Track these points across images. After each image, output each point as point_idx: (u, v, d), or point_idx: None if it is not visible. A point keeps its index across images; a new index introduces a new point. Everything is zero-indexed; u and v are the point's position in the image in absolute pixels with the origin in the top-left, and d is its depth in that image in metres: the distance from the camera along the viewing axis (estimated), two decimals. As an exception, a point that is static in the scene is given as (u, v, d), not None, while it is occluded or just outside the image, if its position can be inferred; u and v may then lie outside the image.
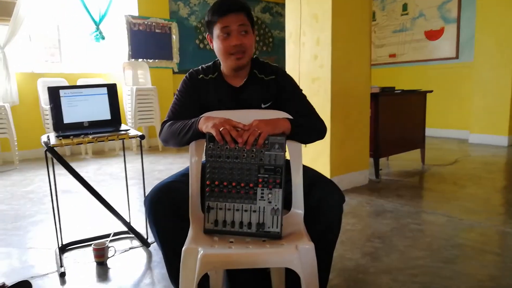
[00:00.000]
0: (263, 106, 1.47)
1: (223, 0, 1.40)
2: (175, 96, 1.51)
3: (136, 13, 5.63)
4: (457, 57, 5.76)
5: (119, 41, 5.62)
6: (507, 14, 4.96)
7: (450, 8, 5.78)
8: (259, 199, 1.22)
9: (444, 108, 5.93)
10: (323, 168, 3.11)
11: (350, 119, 3.17)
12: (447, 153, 4.71)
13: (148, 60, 5.75)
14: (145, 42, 5.69)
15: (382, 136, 3.45)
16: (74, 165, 1.83)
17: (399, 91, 3.71)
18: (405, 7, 6.37)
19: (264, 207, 1.21)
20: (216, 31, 1.37)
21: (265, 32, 7.26)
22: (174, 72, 6.07)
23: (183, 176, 1.39)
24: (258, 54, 7.16)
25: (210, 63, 1.53)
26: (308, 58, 3.13)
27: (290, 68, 3.30)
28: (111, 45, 5.64)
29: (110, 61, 5.66)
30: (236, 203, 1.22)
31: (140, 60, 5.66)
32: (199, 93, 1.47)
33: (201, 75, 1.49)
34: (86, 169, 4.20)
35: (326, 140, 3.06)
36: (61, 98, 2.06)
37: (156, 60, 5.84)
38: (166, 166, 4.25)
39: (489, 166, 3.95)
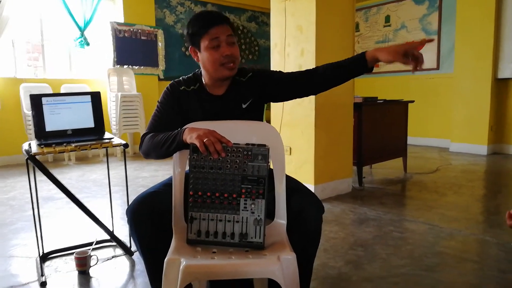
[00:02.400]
0: (243, 106, 1.49)
1: (207, 13, 1.43)
2: (156, 107, 1.50)
3: (121, 20, 5.61)
4: (438, 68, 5.92)
5: (104, 47, 5.59)
6: (485, 27, 5.12)
7: (431, 20, 5.94)
8: (242, 210, 1.23)
9: (426, 118, 6.06)
10: (307, 176, 3.14)
11: (334, 128, 3.21)
12: (428, 162, 4.81)
13: (134, 66, 5.72)
14: (131, 49, 5.67)
15: (365, 145, 3.51)
16: (57, 171, 1.82)
17: (381, 101, 3.78)
18: (387, 19, 6.52)
19: (247, 217, 1.23)
20: (205, 42, 1.38)
21: (251, 40, 7.32)
22: (159, 79, 6.05)
23: (166, 186, 1.39)
24: (244, 63, 7.21)
25: (190, 75, 1.53)
26: (292, 69, 3.17)
27: (275, 77, 3.34)
28: (96, 51, 5.60)
29: (95, 67, 5.61)
30: (219, 213, 1.23)
31: (125, 66, 5.63)
32: (180, 104, 1.47)
33: (182, 87, 1.49)
34: (69, 176, 4.15)
35: (310, 149, 3.09)
36: (43, 105, 2.04)
37: (142, 67, 5.82)
38: (150, 173, 4.23)
39: (469, 175, 4.05)
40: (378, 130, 3.70)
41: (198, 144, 1.20)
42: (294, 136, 3.20)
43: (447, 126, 5.73)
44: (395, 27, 6.44)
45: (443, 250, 2.16)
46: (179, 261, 1.10)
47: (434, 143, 6.04)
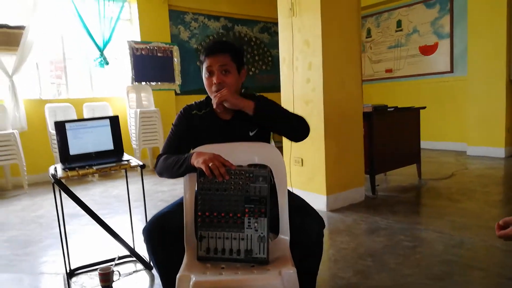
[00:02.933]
0: (250, 134, 1.59)
1: (213, 42, 1.57)
2: (171, 130, 1.64)
3: (138, 38, 5.84)
4: (451, 71, 5.89)
5: (122, 65, 5.83)
6: (497, 28, 5.09)
7: (443, 24, 5.94)
8: (247, 228, 1.33)
9: (441, 121, 6.03)
10: (319, 186, 3.22)
11: (343, 138, 3.29)
12: (444, 167, 4.80)
13: (151, 83, 5.94)
14: (148, 66, 5.89)
15: (377, 154, 3.56)
16: (81, 187, 1.95)
17: (392, 109, 3.82)
18: (399, 23, 6.54)
19: (251, 235, 1.33)
20: (203, 70, 1.54)
21: (264, 51, 7.45)
22: (176, 94, 6.25)
23: (178, 206, 1.51)
24: (258, 73, 7.35)
25: (203, 99, 1.66)
26: (301, 82, 3.27)
27: (285, 91, 3.45)
28: (115, 69, 5.84)
29: (114, 85, 5.86)
30: (226, 231, 1.34)
31: (143, 83, 5.85)
32: (192, 127, 1.60)
33: (194, 111, 1.62)
34: (93, 192, 4.34)
35: (321, 160, 3.17)
36: (66, 131, 2.20)
37: (159, 83, 6.03)
38: (169, 187, 4.38)
39: (485, 179, 4.03)
40: (390, 138, 3.74)
41: (204, 169, 1.32)
42: (305, 148, 3.29)
43: (463, 129, 5.69)
44: (407, 31, 6.46)
45: (452, 258, 2.20)
46: (189, 277, 1.22)
47: (451, 147, 6.00)
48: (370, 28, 7.01)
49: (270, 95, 1.69)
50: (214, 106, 1.49)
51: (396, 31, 6.59)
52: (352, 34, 3.31)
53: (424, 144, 5.83)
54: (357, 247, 2.45)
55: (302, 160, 3.35)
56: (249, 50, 7.24)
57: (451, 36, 5.86)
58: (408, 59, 6.46)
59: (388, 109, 3.79)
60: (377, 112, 3.61)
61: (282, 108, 1.61)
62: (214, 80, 1.49)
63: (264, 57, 7.45)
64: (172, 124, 1.65)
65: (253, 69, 7.28)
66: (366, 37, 7.10)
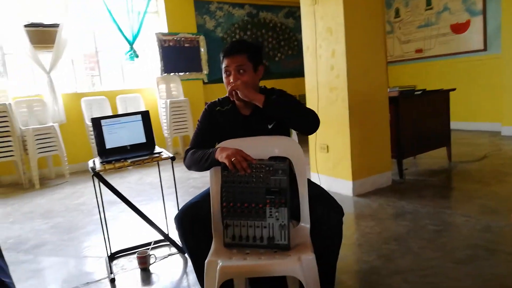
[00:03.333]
0: (269, 126, 1.67)
1: (231, 43, 1.65)
2: (197, 125, 1.75)
3: (165, 30, 5.98)
4: (485, 49, 5.66)
5: (151, 57, 6.01)
6: (535, 3, 4.84)
7: (475, 0, 5.68)
8: (268, 217, 1.43)
9: (475, 101, 5.85)
10: (345, 172, 3.26)
11: (369, 124, 3.30)
12: (477, 148, 4.69)
13: (179, 73, 6.10)
14: (176, 57, 6.04)
15: (404, 138, 3.55)
16: (118, 175, 2.08)
17: (419, 92, 3.77)
18: (429, 1, 6.32)
19: (273, 223, 1.43)
20: (222, 69, 1.65)
21: (289, 36, 7.42)
22: (204, 83, 6.39)
23: (206, 196, 1.63)
24: (284, 58, 7.34)
25: (226, 95, 1.75)
26: (325, 69, 3.29)
27: (309, 80, 3.48)
28: (145, 61, 6.03)
29: (145, 77, 6.06)
30: (249, 220, 1.44)
31: (172, 74, 6.02)
32: (216, 123, 1.70)
33: (218, 107, 1.72)
34: (129, 180, 4.58)
35: (346, 146, 3.21)
36: (102, 127, 2.36)
37: (187, 73, 6.18)
38: (200, 174, 4.52)
39: (519, 161, 3.93)
40: (417, 122, 3.70)
41: (227, 163, 1.43)
42: (330, 134, 3.33)
43: (498, 109, 5.49)
44: (437, 9, 6.23)
45: (477, 242, 2.22)
46: (216, 263, 1.33)
47: (485, 127, 5.82)
48: (399, 7, 6.81)
49: (295, 80, 1.75)
50: (228, 94, 1.60)
51: (426, 9, 6.38)
52: (375, 19, 3.28)
53: (457, 125, 5.72)
54: (382, 232, 2.50)
55: (327, 146, 3.39)
56: (274, 36, 7.24)
57: (484, 13, 5.61)
58: (439, 38, 6.26)
59: (415, 93, 3.74)
60: (404, 96, 3.58)
61: (294, 102, 1.66)
62: (231, 79, 1.58)
63: (289, 42, 7.43)
64: (198, 120, 1.76)
65: (279, 54, 7.28)
66: (395, 17, 6.91)
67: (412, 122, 3.64)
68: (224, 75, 1.64)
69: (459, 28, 5.94)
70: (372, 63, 3.28)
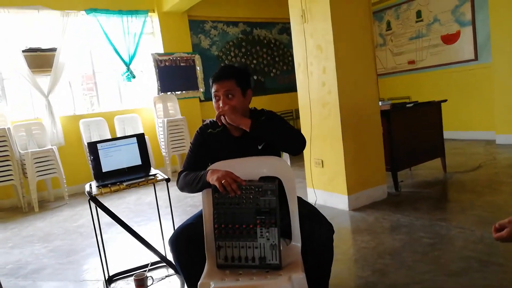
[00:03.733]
0: (259, 147, 1.72)
1: (221, 68, 1.70)
2: (189, 148, 1.80)
3: (161, 50, 6.09)
4: (476, 58, 5.76)
5: (148, 77, 6.10)
6: (522, 13, 4.94)
7: (464, 11, 5.81)
8: (259, 237, 1.46)
9: (468, 110, 5.92)
10: (340, 187, 3.30)
11: (362, 137, 3.34)
12: (471, 158, 4.72)
13: (176, 92, 6.17)
14: (172, 76, 6.13)
15: (397, 150, 3.59)
16: (116, 196, 2.10)
17: (411, 104, 3.83)
18: (419, 14, 6.44)
19: (264, 243, 1.46)
20: (212, 94, 1.70)
21: (284, 52, 7.53)
22: (201, 101, 6.46)
23: (199, 218, 1.66)
24: (279, 74, 7.43)
25: None
26: (316, 86, 3.36)
27: (301, 96, 3.54)
28: (141, 81, 6.12)
29: (142, 97, 6.14)
30: (241, 241, 1.48)
31: (168, 93, 6.10)
32: (208, 145, 1.75)
33: (209, 130, 1.77)
34: (128, 200, 4.60)
35: (340, 160, 3.25)
36: (98, 151, 2.41)
37: (184, 92, 6.26)
38: (198, 193, 4.57)
39: (513, 169, 3.97)
40: (410, 134, 3.75)
41: (217, 185, 1.47)
42: (325, 149, 3.38)
43: (491, 117, 5.55)
44: (427, 21, 6.35)
45: (471, 254, 2.24)
46: (209, 284, 1.36)
47: (479, 136, 5.87)
48: (390, 20, 6.94)
49: (290, 95, 1.79)
50: (215, 119, 1.66)
51: (417, 21, 6.50)
52: (364, 34, 3.36)
53: (451, 134, 5.78)
54: (377, 246, 2.52)
55: (322, 161, 3.43)
56: (269, 52, 7.35)
57: (473, 23, 5.72)
58: (430, 49, 6.36)
59: (407, 105, 3.80)
60: (395, 109, 3.63)
61: (281, 124, 1.72)
62: (221, 104, 1.64)
63: (284, 58, 7.54)
64: (190, 143, 1.81)
65: (274, 70, 7.38)
66: (386, 30, 7.04)
67: (405, 134, 3.69)
68: (213, 100, 1.70)
69: (450, 39, 6.05)
70: (362, 78, 3.34)
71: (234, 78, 1.65)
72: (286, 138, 1.65)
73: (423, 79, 6.51)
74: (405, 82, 6.79)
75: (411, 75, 6.72)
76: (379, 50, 7.17)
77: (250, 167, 1.60)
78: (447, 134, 4.17)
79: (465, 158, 4.78)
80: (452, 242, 2.44)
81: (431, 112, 4.02)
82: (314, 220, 1.57)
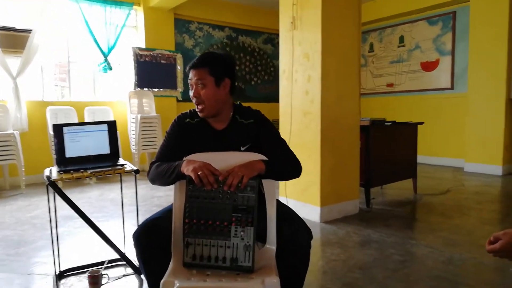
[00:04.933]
0: (242, 148, 1.61)
1: (197, 57, 1.59)
2: (164, 138, 1.67)
3: (143, 45, 5.92)
4: (452, 87, 5.93)
5: (126, 71, 5.90)
6: (498, 48, 5.14)
7: (445, 41, 5.99)
8: (233, 236, 1.35)
9: (441, 137, 6.06)
10: (314, 197, 3.23)
11: (340, 150, 3.31)
12: (441, 182, 4.81)
13: (153, 89, 6.00)
14: (151, 72, 5.96)
15: (373, 167, 3.58)
16: (78, 190, 1.96)
17: (389, 123, 3.85)
18: (401, 39, 6.60)
19: (237, 243, 1.35)
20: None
21: (267, 62, 7.52)
22: (178, 101, 6.31)
23: (169, 212, 1.53)
24: (260, 83, 7.40)
25: None
26: (300, 94, 3.31)
27: (283, 103, 3.49)
28: (118, 74, 5.91)
29: (117, 90, 5.92)
30: (212, 239, 1.36)
31: (145, 89, 5.91)
32: (185, 136, 1.62)
33: (187, 119, 1.65)
34: (89, 195, 4.36)
35: (317, 171, 3.19)
36: (64, 134, 2.23)
37: (161, 89, 6.09)
38: (165, 192, 4.40)
39: (480, 196, 4.04)
40: (386, 152, 3.76)
41: (193, 177, 1.35)
42: (302, 159, 3.23)
43: (462, 145, 5.71)
44: (409, 47, 6.52)
45: (440, 274, 2.21)
46: (173, 283, 1.24)
47: (449, 162, 6.01)
48: (373, 42, 7.08)
49: (270, 105, 1.71)
50: (230, 188, 1.38)
51: (399, 46, 6.66)
52: (352, 50, 3.36)
53: (422, 159, 5.88)
54: (347, 260, 2.46)
55: (297, 171, 3.36)
56: (252, 60, 7.31)
57: (453, 53, 5.91)
58: (409, 74, 6.51)
59: (386, 123, 3.82)
60: (375, 125, 3.64)
61: (286, 149, 1.65)
62: (192, 93, 1.55)
63: (266, 68, 7.52)
64: (166, 132, 1.68)
65: (255, 78, 7.34)
66: (369, 51, 7.16)
67: (381, 151, 3.69)
68: (190, 89, 1.59)
69: (429, 66, 6.22)
70: (346, 91, 3.32)
71: (207, 66, 1.53)
72: (289, 174, 1.61)
73: (400, 102, 6.64)
74: (382, 104, 6.90)
75: (389, 98, 6.85)
76: (360, 70, 7.27)
77: (230, 162, 1.49)
78: (418, 158, 4.22)
79: (434, 181, 4.86)
80: (422, 261, 2.41)
81: (407, 133, 4.07)
82: (293, 224, 1.47)
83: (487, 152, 5.30)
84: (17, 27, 5.01)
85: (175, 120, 1.67)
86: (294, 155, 1.65)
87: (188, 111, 1.68)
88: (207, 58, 1.56)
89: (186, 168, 1.40)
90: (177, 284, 1.22)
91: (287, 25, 3.40)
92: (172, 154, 1.59)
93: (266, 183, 1.50)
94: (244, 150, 1.60)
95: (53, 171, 2.07)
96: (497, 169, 5.20)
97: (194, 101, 1.56)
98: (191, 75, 1.56)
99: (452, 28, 5.92)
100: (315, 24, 3.14)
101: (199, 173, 1.35)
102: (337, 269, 2.31)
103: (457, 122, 5.84)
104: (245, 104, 1.74)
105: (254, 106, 1.77)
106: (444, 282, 2.10)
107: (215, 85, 1.54)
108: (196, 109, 1.59)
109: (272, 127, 1.68)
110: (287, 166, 1.59)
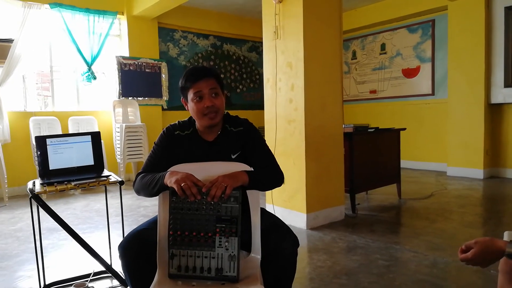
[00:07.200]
0: (232, 156, 1.62)
1: (196, 68, 1.60)
2: (152, 149, 1.66)
3: (127, 54, 5.90)
4: (433, 93, 6.07)
5: (110, 80, 5.87)
6: (476, 55, 5.29)
7: (425, 48, 6.14)
8: (218, 247, 1.37)
9: (423, 142, 6.18)
10: (300, 204, 3.26)
11: (324, 157, 3.35)
12: (424, 187, 4.90)
13: (138, 98, 5.98)
14: (135, 81, 5.94)
15: (357, 173, 3.63)
16: (63, 201, 1.93)
17: (372, 130, 3.92)
18: (383, 46, 6.74)
19: (222, 253, 1.36)
20: (190, 95, 1.56)
21: (252, 69, 7.58)
22: (163, 109, 6.30)
23: (154, 223, 1.53)
24: (245, 91, 7.44)
25: (186, 119, 1.69)
26: (284, 102, 3.35)
27: (268, 111, 3.52)
28: (102, 84, 5.87)
29: (101, 99, 5.88)
30: (197, 250, 1.37)
31: (130, 98, 5.88)
32: (173, 147, 1.62)
33: (177, 131, 1.64)
34: (74, 206, 4.31)
35: (302, 178, 3.23)
36: (47, 146, 2.22)
37: (146, 98, 6.07)
38: (152, 202, 4.37)
39: (462, 200, 4.13)
40: (370, 158, 3.83)
41: (176, 188, 1.36)
42: (287, 166, 3.34)
43: (444, 150, 5.83)
44: (390, 54, 6.65)
45: (424, 277, 2.25)
46: (158, 295, 1.24)
47: (432, 167, 6.13)
48: (356, 50, 7.20)
49: (255, 113, 1.74)
50: (213, 199, 1.38)
51: (380, 53, 6.79)
52: (334, 58, 3.42)
53: (406, 163, 5.99)
54: (333, 266, 2.49)
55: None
56: (237, 68, 7.36)
57: (433, 60, 6.06)
58: (391, 81, 6.64)
59: (369, 130, 3.88)
60: (358, 132, 3.70)
61: (271, 159, 1.65)
62: (206, 103, 1.53)
63: (251, 75, 7.57)
64: (154, 143, 1.68)
65: (240, 86, 7.38)
66: (352, 59, 7.29)
67: (365, 158, 3.75)
68: (194, 102, 1.55)
69: (410, 73, 6.36)
70: (329, 99, 3.38)
71: (214, 75, 1.57)
72: (271, 184, 1.60)
73: (383, 108, 6.76)
74: (366, 110, 7.01)
75: (372, 104, 6.96)
76: (344, 77, 7.38)
77: (212, 172, 1.50)
78: (402, 163, 4.30)
79: (418, 186, 4.95)
80: (406, 265, 2.45)
81: (390, 139, 4.14)
82: (279, 232, 1.49)
83: (468, 156, 5.42)
84: (-1, 37, 4.95)
85: (164, 131, 1.66)
86: (278, 166, 1.66)
87: (176, 122, 1.68)
88: (211, 69, 1.60)
89: (169, 180, 1.40)
90: (163, 296, 1.22)
91: (270, 35, 3.45)
92: (159, 166, 1.58)
93: (250, 192, 1.52)
94: (235, 158, 1.62)
95: (36, 184, 2.06)
96: (479, 173, 5.33)
97: (206, 111, 1.53)
98: (199, 86, 1.53)
99: (432, 35, 6.08)
100: (297, 33, 3.19)
101: (182, 185, 1.35)
102: (323, 275, 2.34)
103: (439, 127, 5.97)
104: (231, 112, 1.76)
105: (240, 113, 1.79)
106: (428, 286, 2.14)
107: (222, 94, 1.59)
108: (206, 120, 1.55)
109: (260, 137, 1.69)
110: (269, 178, 1.60)
